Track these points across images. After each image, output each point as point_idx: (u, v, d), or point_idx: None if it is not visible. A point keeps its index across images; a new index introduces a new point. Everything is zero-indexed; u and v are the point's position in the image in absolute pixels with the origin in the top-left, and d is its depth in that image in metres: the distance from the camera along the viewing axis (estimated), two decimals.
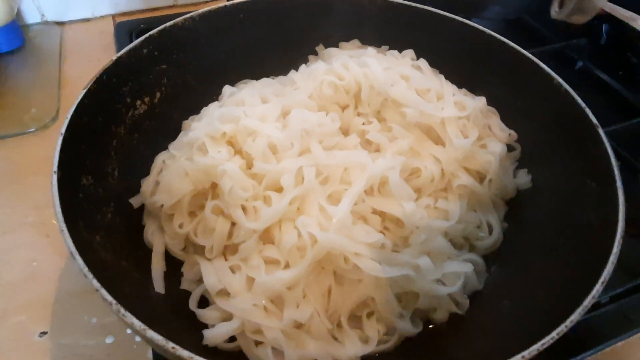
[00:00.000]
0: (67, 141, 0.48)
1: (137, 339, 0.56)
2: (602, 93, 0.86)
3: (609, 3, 0.83)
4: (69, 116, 0.49)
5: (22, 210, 0.69)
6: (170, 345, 0.34)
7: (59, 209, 0.42)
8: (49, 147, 0.77)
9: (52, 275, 0.62)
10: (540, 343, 0.35)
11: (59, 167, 0.45)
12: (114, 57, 0.56)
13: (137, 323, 0.35)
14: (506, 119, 0.64)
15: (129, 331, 0.57)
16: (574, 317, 0.37)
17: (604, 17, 0.90)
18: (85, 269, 0.38)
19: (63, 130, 0.48)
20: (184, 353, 0.34)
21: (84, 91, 0.52)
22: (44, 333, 0.56)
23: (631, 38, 0.91)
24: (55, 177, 0.44)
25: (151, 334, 0.35)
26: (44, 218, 0.68)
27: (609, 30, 0.94)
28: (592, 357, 0.54)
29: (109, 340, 0.56)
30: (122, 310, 0.36)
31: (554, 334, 0.36)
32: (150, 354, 0.54)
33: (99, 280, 0.38)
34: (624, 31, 0.90)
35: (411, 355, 0.49)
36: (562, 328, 0.36)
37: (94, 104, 0.53)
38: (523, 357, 0.35)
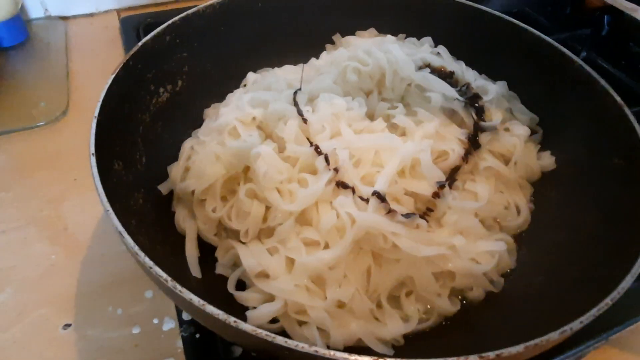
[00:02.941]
0: (100, 125, 0.47)
1: (165, 328, 0.55)
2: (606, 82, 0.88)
3: None
4: (100, 99, 0.48)
5: (35, 205, 0.67)
6: (232, 319, 0.34)
7: (101, 190, 0.41)
8: (59, 140, 0.78)
9: (73, 268, 0.60)
10: (596, 308, 0.36)
11: (95, 149, 0.44)
12: (140, 43, 0.56)
13: (195, 299, 0.34)
14: (527, 103, 0.65)
15: (155, 321, 0.56)
16: (625, 284, 0.38)
17: (605, 8, 0.93)
18: (136, 248, 0.37)
19: (96, 113, 0.47)
20: (247, 327, 0.33)
21: (113, 76, 0.51)
22: (68, 325, 0.55)
23: (632, 28, 0.93)
24: (93, 159, 0.43)
25: (211, 309, 0.34)
26: (59, 212, 0.67)
27: (610, 21, 0.96)
28: (616, 335, 0.54)
29: (135, 330, 0.55)
30: (179, 287, 0.35)
31: (608, 300, 0.37)
32: (179, 343, 0.53)
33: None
34: (625, 22, 0.92)
35: (451, 333, 0.49)
36: (615, 294, 0.37)
37: (121, 91, 0.53)
38: (581, 322, 0.35)
